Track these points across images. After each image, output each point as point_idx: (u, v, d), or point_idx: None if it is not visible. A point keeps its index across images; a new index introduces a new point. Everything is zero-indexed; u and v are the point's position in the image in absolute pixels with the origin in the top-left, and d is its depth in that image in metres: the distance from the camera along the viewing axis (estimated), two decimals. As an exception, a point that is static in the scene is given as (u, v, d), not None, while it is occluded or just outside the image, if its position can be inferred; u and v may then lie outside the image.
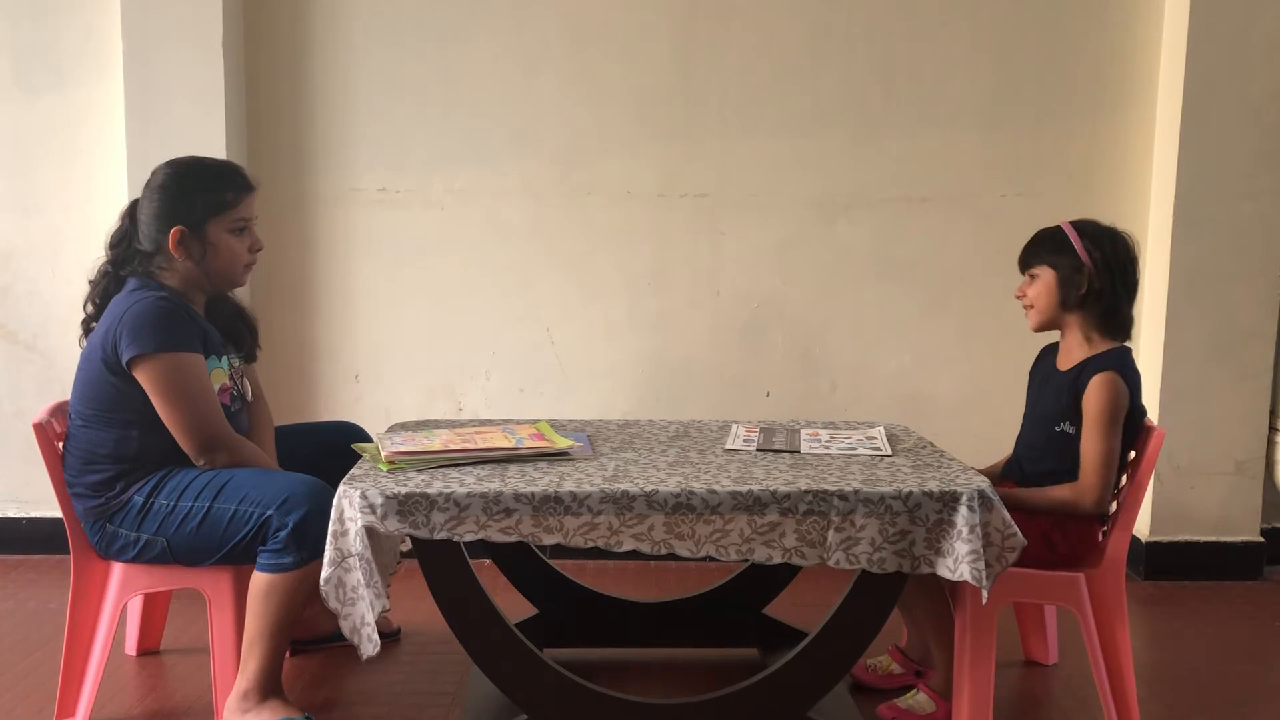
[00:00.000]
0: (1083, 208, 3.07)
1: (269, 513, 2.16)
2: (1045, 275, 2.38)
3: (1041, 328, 2.43)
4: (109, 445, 2.26)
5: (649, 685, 2.57)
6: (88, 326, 2.37)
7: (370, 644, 1.99)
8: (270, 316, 3.48)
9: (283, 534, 2.15)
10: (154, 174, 2.36)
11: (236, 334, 2.48)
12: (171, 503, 2.22)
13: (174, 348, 2.21)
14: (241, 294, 3.32)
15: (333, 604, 1.98)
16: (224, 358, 2.38)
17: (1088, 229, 2.38)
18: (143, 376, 2.21)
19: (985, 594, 1.99)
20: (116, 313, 2.25)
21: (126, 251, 2.35)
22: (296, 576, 2.16)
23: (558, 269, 3.49)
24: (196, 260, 2.31)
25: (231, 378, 2.39)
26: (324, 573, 1.98)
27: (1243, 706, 2.56)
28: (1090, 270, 2.33)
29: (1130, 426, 2.31)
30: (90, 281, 2.39)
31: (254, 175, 2.41)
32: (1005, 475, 2.49)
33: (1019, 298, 2.46)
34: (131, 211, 2.37)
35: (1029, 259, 2.43)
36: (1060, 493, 2.30)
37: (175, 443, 2.25)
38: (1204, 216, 3.33)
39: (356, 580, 1.97)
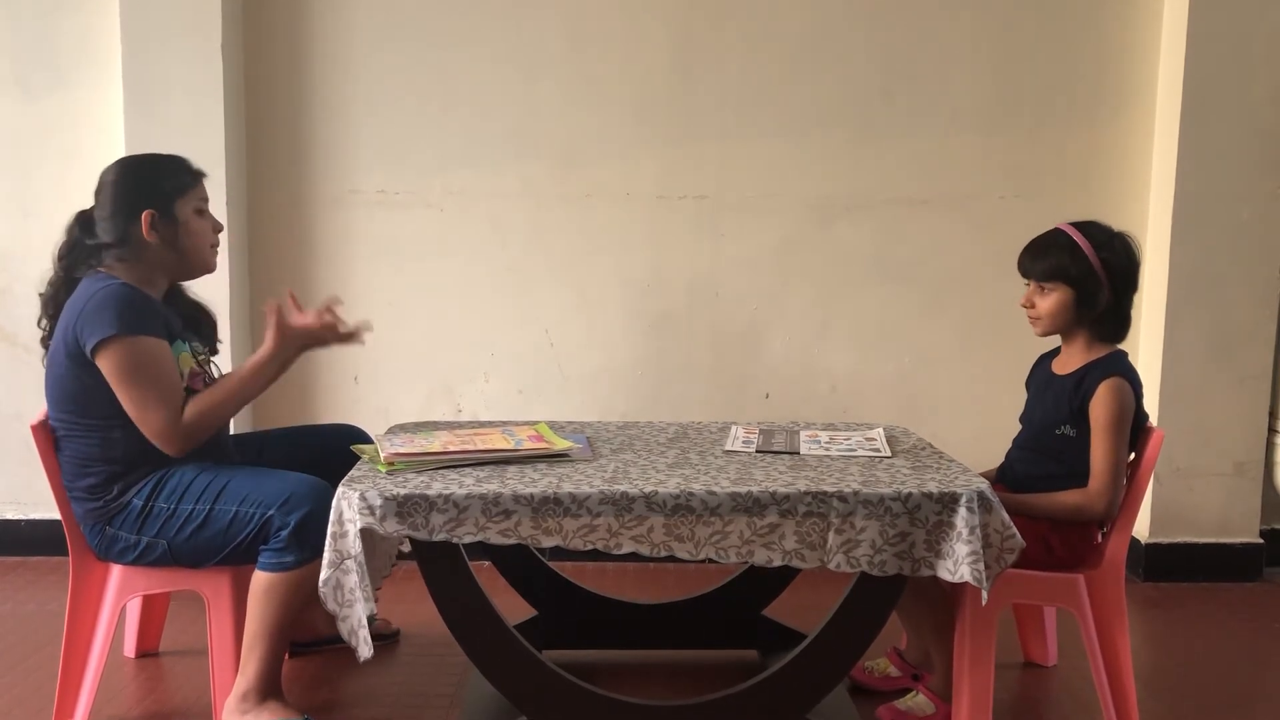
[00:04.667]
0: (1082, 210, 3.06)
1: (270, 512, 2.16)
2: (1061, 294, 2.33)
3: (1048, 335, 2.43)
4: (96, 449, 2.25)
5: (648, 687, 2.57)
6: (47, 343, 2.33)
7: (366, 646, 1.99)
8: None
9: (284, 533, 2.15)
10: (104, 174, 2.35)
11: (196, 325, 2.48)
12: (171, 506, 2.22)
13: (137, 330, 2.18)
14: (241, 296, 3.35)
15: (331, 605, 1.98)
16: (188, 343, 2.36)
17: (1100, 238, 2.33)
18: (105, 362, 2.18)
19: (985, 595, 1.99)
20: (76, 306, 2.22)
21: (75, 263, 2.33)
22: (298, 576, 2.17)
23: (557, 271, 3.49)
24: (169, 241, 2.30)
25: (200, 364, 2.37)
26: (323, 574, 1.98)
27: (1242, 708, 2.57)
28: (1107, 289, 2.32)
29: (1134, 430, 2.31)
30: (40, 294, 2.37)
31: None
32: (999, 479, 2.48)
33: (1025, 306, 2.41)
34: (80, 221, 2.35)
35: (1038, 270, 2.36)
36: (1070, 498, 2.30)
37: None
38: (1203, 218, 3.33)
39: (354, 582, 1.97)
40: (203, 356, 2.42)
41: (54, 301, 2.34)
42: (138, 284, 2.29)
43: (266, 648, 2.19)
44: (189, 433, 2.23)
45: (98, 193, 2.35)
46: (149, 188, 2.31)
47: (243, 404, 2.30)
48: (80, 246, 2.33)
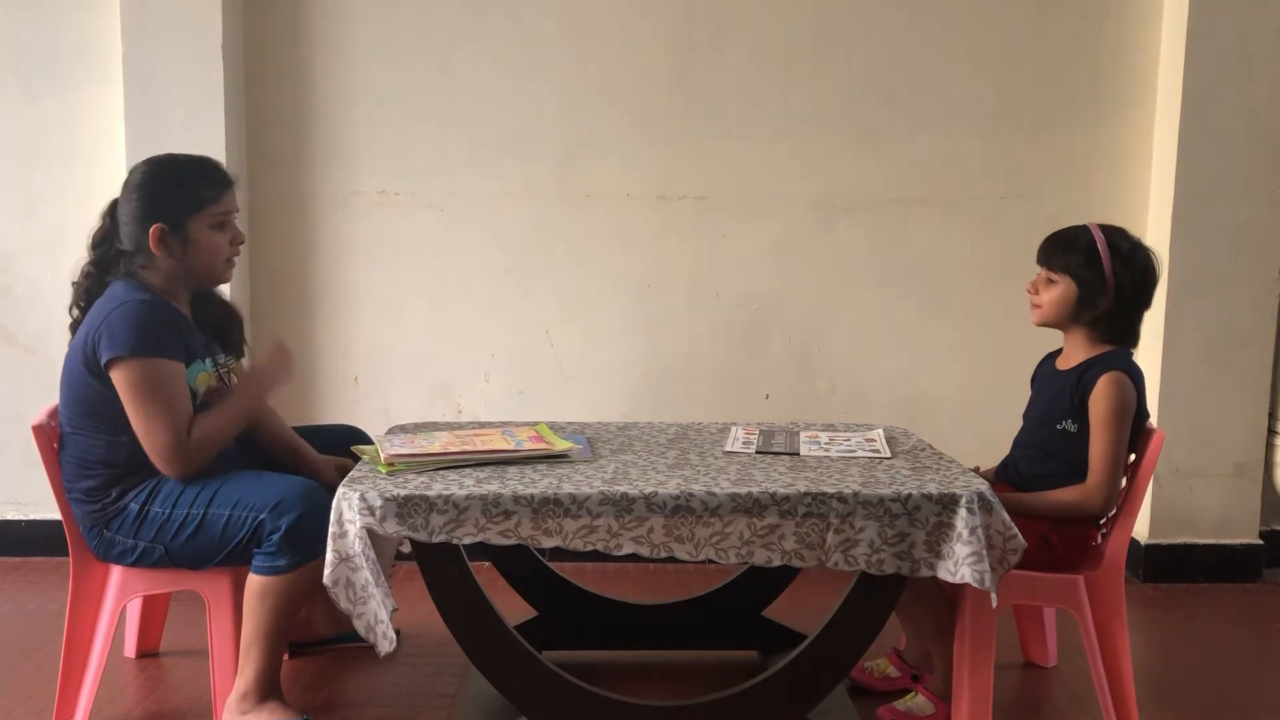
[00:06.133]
0: (1081, 210, 3.08)
1: (262, 516, 2.16)
2: (1065, 286, 2.34)
3: (1044, 325, 2.43)
4: (100, 452, 2.24)
5: (648, 687, 2.57)
6: (75, 330, 2.33)
7: (386, 641, 1.99)
8: (270, 318, 3.49)
9: (276, 537, 2.15)
10: (132, 173, 2.33)
11: (224, 331, 2.47)
12: (167, 510, 2.22)
13: (153, 353, 2.18)
14: (241, 296, 3.35)
15: (344, 604, 1.98)
16: (209, 359, 2.35)
17: (1121, 248, 2.32)
18: (118, 378, 2.18)
19: (994, 597, 2.00)
20: (99, 315, 2.22)
21: (109, 253, 2.32)
22: (292, 578, 2.17)
23: (557, 271, 3.49)
24: (178, 258, 2.29)
25: (220, 378, 2.37)
26: (328, 573, 1.97)
27: (1242, 708, 2.57)
28: (1111, 297, 2.32)
29: (1134, 428, 2.31)
30: (74, 283, 2.36)
31: (232, 170, 2.38)
32: (999, 478, 2.49)
33: (1030, 292, 2.42)
34: (112, 211, 2.34)
35: (1053, 263, 2.37)
36: (1067, 495, 2.30)
37: None
38: (1202, 219, 3.33)
39: (365, 579, 1.97)
40: (225, 368, 2.41)
41: (87, 294, 2.33)
42: (163, 292, 2.29)
43: (264, 649, 2.20)
44: (195, 452, 2.22)
45: (122, 192, 2.33)
46: (164, 201, 2.28)
47: (243, 422, 2.31)
48: (111, 243, 2.32)
